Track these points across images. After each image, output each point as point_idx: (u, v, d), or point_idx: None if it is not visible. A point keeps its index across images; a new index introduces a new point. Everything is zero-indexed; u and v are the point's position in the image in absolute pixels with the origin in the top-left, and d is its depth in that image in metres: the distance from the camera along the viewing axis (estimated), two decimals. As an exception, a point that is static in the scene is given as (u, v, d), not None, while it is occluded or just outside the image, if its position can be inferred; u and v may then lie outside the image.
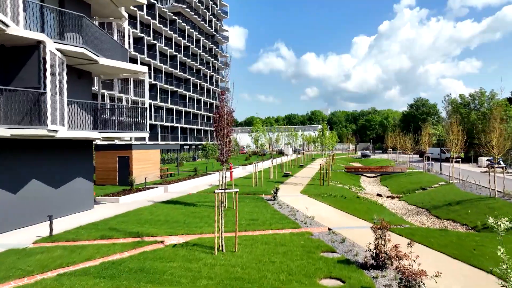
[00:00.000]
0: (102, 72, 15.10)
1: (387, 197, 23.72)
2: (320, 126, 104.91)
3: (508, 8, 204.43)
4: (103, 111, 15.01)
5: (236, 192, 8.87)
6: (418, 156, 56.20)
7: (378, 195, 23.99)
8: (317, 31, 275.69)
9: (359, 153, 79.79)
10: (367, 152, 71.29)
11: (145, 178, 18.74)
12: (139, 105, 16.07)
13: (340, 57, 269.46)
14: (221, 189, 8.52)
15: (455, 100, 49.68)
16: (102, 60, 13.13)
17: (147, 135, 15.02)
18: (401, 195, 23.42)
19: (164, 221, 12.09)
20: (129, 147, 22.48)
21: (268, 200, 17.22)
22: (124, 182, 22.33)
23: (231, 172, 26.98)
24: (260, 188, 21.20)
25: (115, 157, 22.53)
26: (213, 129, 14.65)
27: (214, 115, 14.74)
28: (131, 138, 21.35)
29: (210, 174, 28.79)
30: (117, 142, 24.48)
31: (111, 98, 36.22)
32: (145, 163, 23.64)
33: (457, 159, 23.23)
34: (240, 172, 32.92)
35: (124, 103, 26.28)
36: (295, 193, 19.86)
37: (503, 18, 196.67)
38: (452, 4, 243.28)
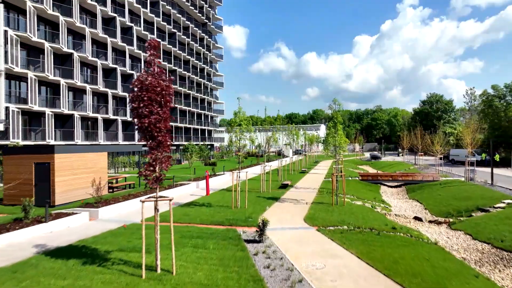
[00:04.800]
0: None
1: (430, 221, 16.39)
2: (323, 126, 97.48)
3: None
4: None
5: None
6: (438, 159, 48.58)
7: (417, 218, 16.65)
8: (318, 31, 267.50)
9: (367, 155, 72.34)
10: (378, 153, 63.77)
11: (47, 203, 11.37)
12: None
13: (341, 56, 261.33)
14: None
15: (485, 92, 42.19)
16: None
17: (-1, 127, 7.66)
18: (450, 220, 16.07)
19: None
20: (49, 149, 15.20)
21: (250, 241, 9.95)
22: (45, 202, 15.09)
23: (207, 184, 19.73)
24: (242, 212, 13.90)
25: (31, 164, 15.26)
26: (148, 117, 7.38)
27: (133, 87, 7.59)
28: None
29: (184, 184, 21.51)
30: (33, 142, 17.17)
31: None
32: (79, 172, 16.35)
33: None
34: (226, 180, 25.60)
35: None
36: (296, 221, 12.60)
37: (506, 18, 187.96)
38: (455, 4, 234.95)
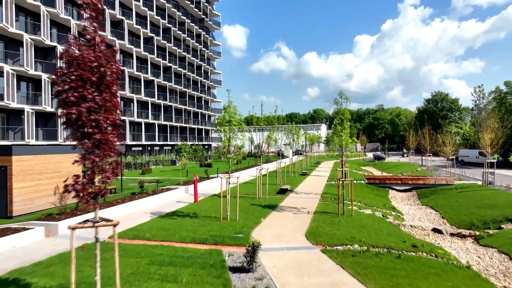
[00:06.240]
0: None
1: (451, 234, 14.11)
2: (323, 125, 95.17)
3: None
4: None
5: None
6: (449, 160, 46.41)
7: (436, 230, 14.37)
8: (318, 31, 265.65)
9: (370, 155, 70.05)
10: (381, 154, 61.39)
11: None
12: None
13: (342, 56, 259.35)
14: None
15: (498, 89, 39.86)
16: None
17: None
18: (477, 232, 13.79)
19: None
20: (6, 150, 12.94)
21: (236, 269, 7.71)
22: (1, 213, 12.94)
23: (195, 189, 17.47)
24: (231, 225, 11.66)
25: (-14, 168, 13.03)
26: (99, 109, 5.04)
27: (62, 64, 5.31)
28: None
29: (171, 189, 19.23)
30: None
31: None
32: (44, 177, 14.09)
33: None
34: (219, 184, 23.22)
35: None
36: (297, 237, 10.35)
37: (508, 17, 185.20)
38: (456, 3, 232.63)
